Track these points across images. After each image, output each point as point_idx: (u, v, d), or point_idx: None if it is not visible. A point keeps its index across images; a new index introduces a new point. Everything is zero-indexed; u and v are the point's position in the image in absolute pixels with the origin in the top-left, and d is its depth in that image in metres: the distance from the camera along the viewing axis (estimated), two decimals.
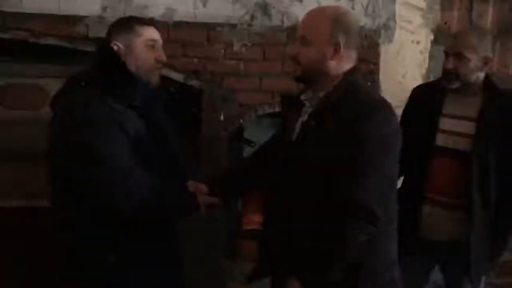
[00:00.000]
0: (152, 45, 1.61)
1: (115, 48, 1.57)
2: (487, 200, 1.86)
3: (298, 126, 1.53)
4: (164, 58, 1.64)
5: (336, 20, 1.45)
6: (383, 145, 1.39)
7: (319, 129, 1.44)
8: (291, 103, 1.62)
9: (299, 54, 1.48)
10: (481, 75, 1.90)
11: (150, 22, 1.68)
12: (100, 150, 1.45)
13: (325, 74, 1.47)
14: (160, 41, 1.64)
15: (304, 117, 1.52)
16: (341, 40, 1.44)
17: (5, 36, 2.28)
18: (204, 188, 1.68)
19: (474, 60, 1.84)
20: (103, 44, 1.61)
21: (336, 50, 1.45)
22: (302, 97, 1.57)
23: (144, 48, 1.59)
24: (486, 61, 1.88)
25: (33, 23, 2.27)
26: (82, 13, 2.30)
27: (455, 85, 1.87)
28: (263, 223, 1.85)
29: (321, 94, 1.49)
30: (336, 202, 1.36)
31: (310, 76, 1.49)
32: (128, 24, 1.61)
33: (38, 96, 2.41)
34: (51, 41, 2.28)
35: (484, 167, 1.82)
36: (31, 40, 2.29)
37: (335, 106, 1.42)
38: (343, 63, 1.47)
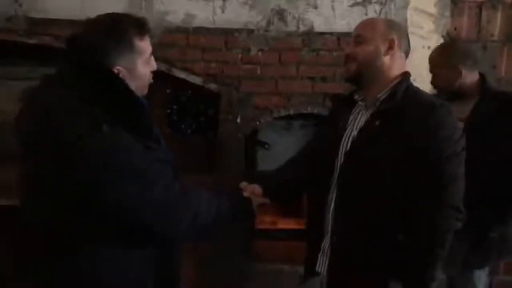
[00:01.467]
0: (150, 60, 1.39)
1: (120, 74, 1.30)
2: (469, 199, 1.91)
3: (356, 128, 1.58)
4: (156, 66, 1.42)
5: (390, 21, 1.62)
6: (460, 148, 1.48)
7: (384, 128, 1.50)
8: (342, 103, 1.69)
9: (354, 51, 1.56)
10: (468, 80, 2.01)
11: (146, 29, 1.36)
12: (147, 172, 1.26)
13: (379, 71, 1.54)
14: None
15: (361, 119, 1.58)
16: (395, 37, 1.54)
17: (31, 41, 2.37)
18: (259, 190, 1.68)
19: (443, 73, 2.01)
20: (103, 70, 1.27)
21: (391, 46, 1.53)
22: (356, 97, 1.63)
23: (144, 66, 1.36)
24: (459, 70, 1.99)
25: (58, 28, 2.35)
26: None
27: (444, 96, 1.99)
28: (308, 223, 1.81)
29: (379, 95, 1.55)
30: (425, 202, 1.44)
31: (364, 72, 1.55)
32: (127, 41, 1.30)
33: None
34: None
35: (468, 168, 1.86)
36: (56, 45, 2.38)
37: (399, 107, 1.49)
38: (396, 63, 1.55)
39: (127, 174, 1.22)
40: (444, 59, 2.03)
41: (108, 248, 1.26)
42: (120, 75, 1.29)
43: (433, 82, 2.08)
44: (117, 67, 1.29)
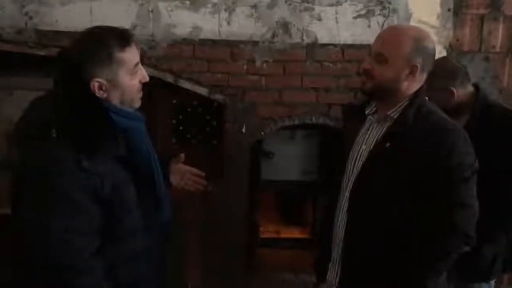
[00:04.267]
0: (136, 70, 1.37)
1: (96, 85, 1.31)
2: None
3: (366, 143, 1.58)
4: (147, 77, 1.41)
5: (417, 42, 1.46)
6: (471, 173, 1.48)
7: (394, 151, 1.50)
8: (353, 114, 1.68)
9: (374, 70, 1.50)
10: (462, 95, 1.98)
11: (129, 38, 1.35)
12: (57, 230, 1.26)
13: (395, 93, 1.51)
14: (139, 59, 1.39)
15: (371, 134, 1.58)
16: (419, 63, 1.47)
17: (42, 53, 2.41)
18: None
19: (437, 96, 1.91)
20: (77, 76, 1.30)
21: (412, 72, 1.47)
22: (367, 111, 1.61)
23: (129, 77, 1.35)
24: (451, 91, 1.96)
25: (66, 40, 2.36)
26: None
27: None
28: (320, 235, 1.84)
29: (390, 112, 1.54)
30: (435, 225, 1.46)
31: (380, 92, 1.53)
32: (106, 53, 1.31)
33: None
34: None
35: None
36: None
37: (410, 130, 1.48)
38: (414, 85, 1.51)
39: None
40: (433, 83, 1.91)
41: None
42: (96, 87, 1.31)
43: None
44: (97, 79, 1.31)
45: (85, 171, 1.26)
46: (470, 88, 2.03)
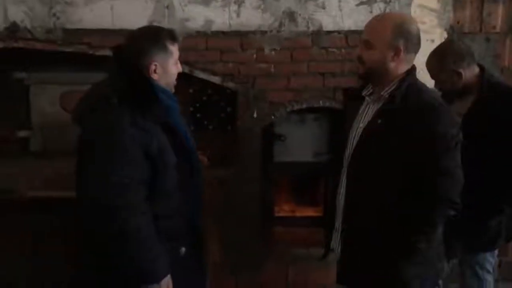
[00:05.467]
0: (177, 62, 1.75)
1: (153, 68, 1.67)
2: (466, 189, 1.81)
3: (362, 121, 1.73)
4: (181, 69, 1.80)
5: (397, 27, 1.61)
6: (455, 143, 1.60)
7: (385, 126, 1.63)
8: (354, 96, 1.83)
9: (363, 55, 1.67)
10: (468, 77, 2.06)
11: (176, 37, 1.74)
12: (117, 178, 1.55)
13: (385, 74, 1.65)
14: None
15: (367, 113, 1.72)
16: (401, 45, 1.61)
17: (68, 49, 2.61)
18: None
19: (444, 79, 2.08)
20: (136, 61, 1.65)
21: (397, 53, 1.62)
22: (363, 92, 1.76)
23: (173, 66, 1.73)
24: (458, 73, 2.06)
25: (91, 37, 2.58)
26: (132, 27, 2.59)
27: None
28: (327, 211, 1.98)
29: (383, 92, 1.67)
30: (422, 193, 1.58)
31: (371, 75, 1.68)
32: (163, 42, 1.67)
33: None
34: (106, 52, 2.52)
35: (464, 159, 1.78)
36: (90, 52, 2.61)
37: (400, 107, 1.62)
38: (402, 65, 1.65)
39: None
40: (440, 66, 2.08)
41: None
42: (153, 68, 1.65)
43: (437, 88, 2.11)
44: (155, 63, 1.67)
45: (139, 128, 1.58)
46: (476, 69, 2.10)
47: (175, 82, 1.77)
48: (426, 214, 1.62)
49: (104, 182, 1.54)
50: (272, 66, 2.70)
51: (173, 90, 1.78)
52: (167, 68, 1.70)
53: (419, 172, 1.59)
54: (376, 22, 1.68)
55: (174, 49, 1.71)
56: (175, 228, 1.71)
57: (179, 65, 1.77)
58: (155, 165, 1.62)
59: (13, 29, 2.55)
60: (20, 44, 2.58)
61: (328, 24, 2.67)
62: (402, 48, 1.62)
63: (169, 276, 1.67)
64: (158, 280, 1.63)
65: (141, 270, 1.61)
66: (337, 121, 2.86)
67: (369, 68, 1.67)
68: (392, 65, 1.65)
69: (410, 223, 1.62)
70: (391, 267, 1.66)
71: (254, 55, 2.68)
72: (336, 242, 1.84)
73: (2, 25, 2.54)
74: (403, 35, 1.61)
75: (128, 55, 1.68)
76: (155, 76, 1.69)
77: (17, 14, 2.54)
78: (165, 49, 1.68)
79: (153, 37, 1.69)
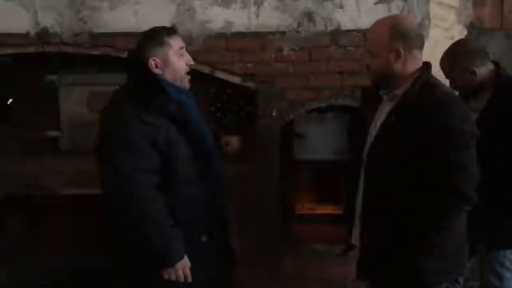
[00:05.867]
0: (181, 53, 1.77)
1: (153, 63, 1.72)
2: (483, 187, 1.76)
3: (380, 120, 1.75)
4: (192, 60, 1.81)
5: (391, 29, 1.64)
6: (469, 138, 1.61)
7: (399, 124, 1.65)
8: (371, 95, 1.86)
9: (370, 64, 1.72)
10: (483, 74, 2.05)
11: (174, 30, 1.81)
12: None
13: (394, 76, 1.68)
14: (183, 45, 1.80)
15: (383, 111, 1.74)
16: (400, 45, 1.63)
17: (95, 52, 2.72)
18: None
19: (459, 78, 2.07)
20: (139, 61, 1.74)
21: (398, 55, 1.64)
22: (380, 92, 1.79)
23: (177, 58, 1.74)
24: (473, 71, 2.05)
25: (116, 40, 2.68)
26: None
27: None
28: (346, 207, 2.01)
29: (398, 92, 1.69)
30: (436, 187, 1.60)
31: (381, 80, 1.73)
32: (158, 38, 1.74)
33: None
34: None
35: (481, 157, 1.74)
36: (115, 54, 2.71)
37: (414, 105, 1.63)
38: (408, 64, 1.66)
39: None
40: (454, 66, 2.08)
41: None
42: (153, 64, 1.71)
43: (453, 87, 2.10)
44: (153, 58, 1.72)
45: (145, 123, 1.66)
46: (490, 66, 2.09)
47: (183, 75, 1.79)
48: (439, 209, 1.63)
49: (116, 174, 1.65)
50: (291, 65, 2.74)
51: (186, 85, 1.81)
52: (168, 61, 1.73)
53: (432, 166, 1.61)
54: (372, 31, 1.73)
55: (172, 41, 1.74)
56: (194, 217, 1.77)
57: (186, 56, 1.79)
58: (166, 156, 1.70)
59: (43, 34, 2.67)
60: (50, 48, 2.71)
61: (346, 23, 2.70)
62: (401, 48, 1.64)
63: (185, 261, 1.72)
64: (172, 264, 1.69)
65: (153, 253, 1.68)
66: (356, 119, 2.87)
67: (377, 74, 1.72)
68: (397, 66, 1.67)
69: (425, 218, 1.64)
70: (408, 262, 1.67)
71: (273, 55, 2.73)
72: (356, 239, 1.88)
73: (33, 30, 2.67)
74: (399, 36, 1.64)
75: (131, 56, 1.81)
76: (157, 71, 1.74)
77: (47, 20, 2.66)
78: (161, 43, 1.73)
79: (148, 35, 1.77)
